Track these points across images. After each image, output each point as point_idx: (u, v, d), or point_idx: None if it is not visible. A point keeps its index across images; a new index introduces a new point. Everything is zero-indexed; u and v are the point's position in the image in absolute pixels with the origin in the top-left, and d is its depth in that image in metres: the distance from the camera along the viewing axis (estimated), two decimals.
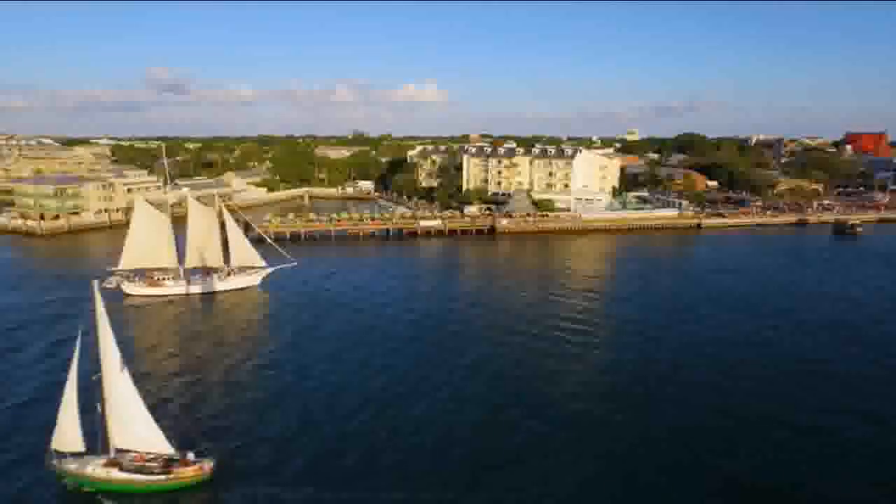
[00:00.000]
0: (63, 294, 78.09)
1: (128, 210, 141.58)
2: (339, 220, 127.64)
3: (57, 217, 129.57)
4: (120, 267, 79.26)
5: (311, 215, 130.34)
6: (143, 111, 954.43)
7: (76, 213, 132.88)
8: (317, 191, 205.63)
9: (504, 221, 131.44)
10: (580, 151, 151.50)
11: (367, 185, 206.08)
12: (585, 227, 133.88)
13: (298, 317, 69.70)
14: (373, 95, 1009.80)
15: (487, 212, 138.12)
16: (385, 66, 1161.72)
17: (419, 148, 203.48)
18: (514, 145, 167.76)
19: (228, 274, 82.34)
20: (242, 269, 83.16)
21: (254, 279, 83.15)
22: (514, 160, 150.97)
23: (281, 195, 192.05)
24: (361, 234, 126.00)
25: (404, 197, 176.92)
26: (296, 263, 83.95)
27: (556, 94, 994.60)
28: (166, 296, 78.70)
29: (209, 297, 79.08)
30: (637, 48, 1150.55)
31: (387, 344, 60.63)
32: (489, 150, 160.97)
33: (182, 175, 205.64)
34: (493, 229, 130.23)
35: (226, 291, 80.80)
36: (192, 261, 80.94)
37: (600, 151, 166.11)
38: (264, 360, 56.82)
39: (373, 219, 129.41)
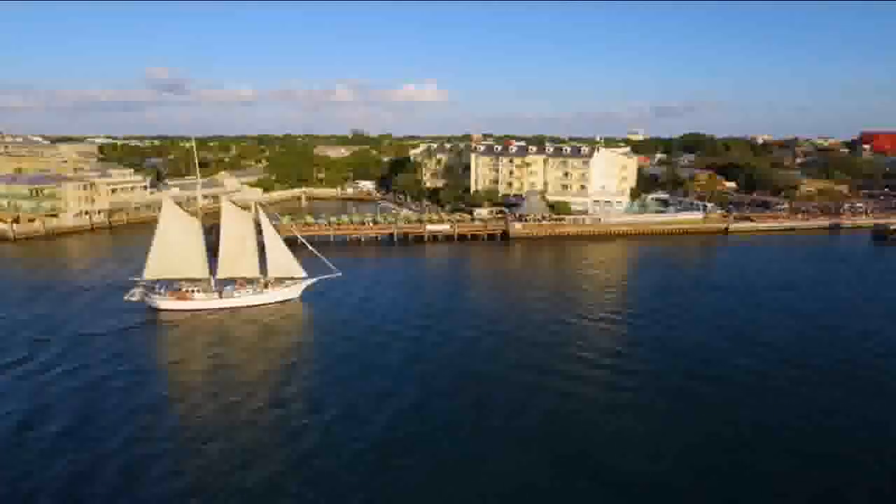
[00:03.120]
0: (33, 310, 68.23)
1: (111, 212, 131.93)
2: (338, 224, 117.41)
3: (32, 220, 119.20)
4: (144, 277, 69.40)
5: (309, 218, 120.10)
6: (142, 111, 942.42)
7: (54, 216, 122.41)
8: (315, 191, 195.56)
9: (518, 225, 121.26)
10: (597, 150, 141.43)
11: (367, 185, 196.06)
12: (606, 232, 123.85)
13: (339, 340, 59.74)
14: (372, 95, 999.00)
15: (500, 215, 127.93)
16: (385, 67, 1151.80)
17: (423, 146, 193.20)
18: (525, 144, 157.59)
19: (266, 285, 72.58)
20: (280, 280, 73.38)
21: (293, 291, 73.39)
22: (527, 159, 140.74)
23: (277, 196, 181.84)
24: (363, 238, 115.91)
25: (407, 198, 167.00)
26: (340, 274, 74.05)
27: (556, 94, 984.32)
28: (196, 310, 68.85)
29: (244, 311, 69.11)
30: (635, 48, 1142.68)
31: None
32: (499, 148, 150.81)
33: (173, 174, 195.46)
34: (505, 234, 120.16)
35: (262, 305, 70.95)
36: (224, 270, 71.16)
37: (620, 150, 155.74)
38: (285, 398, 46.78)
39: (375, 222, 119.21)
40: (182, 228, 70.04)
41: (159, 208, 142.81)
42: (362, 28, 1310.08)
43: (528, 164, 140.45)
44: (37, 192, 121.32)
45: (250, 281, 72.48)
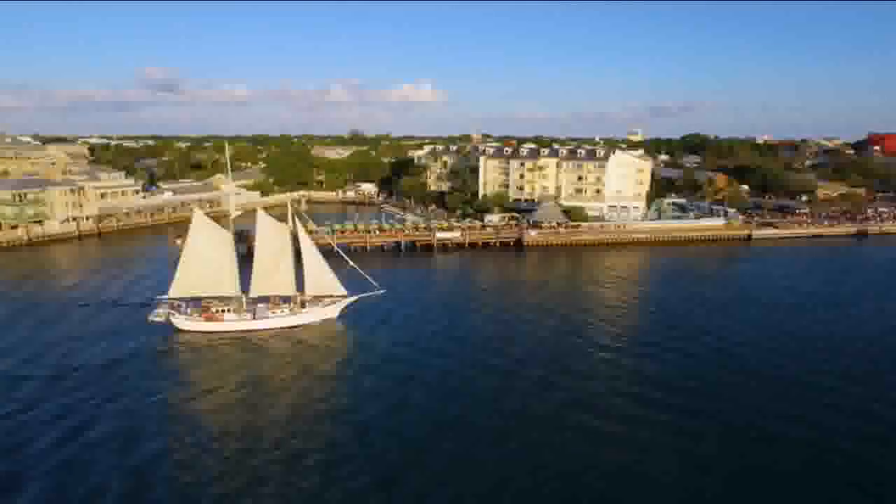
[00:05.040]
0: (18, 333, 61.40)
1: (100, 218, 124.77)
2: (342, 231, 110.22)
3: (15, 227, 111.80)
4: (170, 295, 62.89)
5: (311, 225, 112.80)
6: (137, 111, 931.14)
7: (38, 222, 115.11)
8: (315, 194, 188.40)
9: (532, 233, 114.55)
10: (613, 152, 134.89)
11: (369, 188, 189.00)
12: (625, 240, 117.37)
13: (382, 374, 53.03)
14: (368, 95, 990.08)
15: (513, 221, 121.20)
16: (380, 66, 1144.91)
17: (427, 148, 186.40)
18: (536, 146, 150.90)
19: (302, 305, 66.06)
20: (318, 299, 66.86)
21: (332, 311, 66.94)
22: (540, 163, 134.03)
23: (276, 199, 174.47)
24: (368, 247, 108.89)
25: (411, 202, 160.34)
26: (384, 291, 67.63)
27: (552, 94, 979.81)
28: (226, 332, 62.38)
29: (278, 334, 62.77)
30: (630, 48, 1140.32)
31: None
32: (509, 150, 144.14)
33: (167, 177, 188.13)
34: (519, 242, 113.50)
35: (298, 327, 64.51)
36: (258, 288, 64.60)
37: (635, 153, 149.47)
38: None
39: (382, 230, 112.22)
40: (213, 242, 63.60)
41: (152, 214, 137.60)
42: (356, 28, 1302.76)
43: (540, 168, 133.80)
44: (20, 196, 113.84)
45: (285, 299, 66.02)
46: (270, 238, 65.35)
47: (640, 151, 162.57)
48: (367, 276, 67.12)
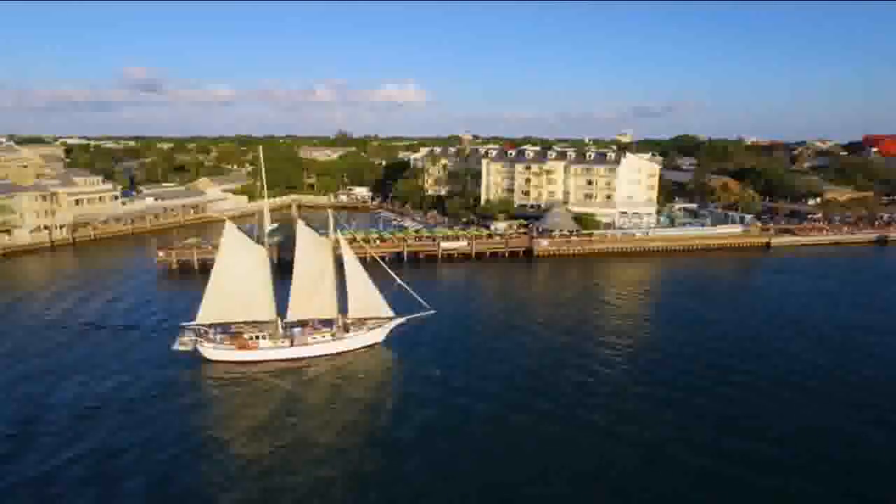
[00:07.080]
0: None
1: (75, 227, 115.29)
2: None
3: None
4: (198, 321, 55.32)
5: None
6: (118, 110, 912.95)
7: (6, 231, 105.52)
8: (305, 199, 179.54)
9: (543, 242, 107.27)
10: (624, 155, 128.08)
11: (362, 191, 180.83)
12: (640, 248, 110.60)
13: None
14: (352, 96, 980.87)
15: (522, 229, 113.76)
16: (364, 67, 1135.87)
17: (425, 150, 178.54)
18: (539, 148, 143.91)
19: (346, 329, 58.75)
20: (361, 321, 59.59)
21: (378, 335, 59.91)
22: (547, 166, 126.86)
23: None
24: (368, 257, 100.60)
25: (407, 206, 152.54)
26: (434, 312, 60.23)
27: (535, 94, 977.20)
28: (261, 362, 55.02)
29: (320, 362, 55.41)
30: (613, 48, 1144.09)
31: None
32: (512, 153, 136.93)
33: (149, 180, 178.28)
34: (528, 251, 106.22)
35: (342, 354, 57.32)
36: (297, 312, 57.27)
37: (646, 156, 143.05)
38: None
39: (383, 240, 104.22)
40: (246, 260, 56.03)
41: (132, 221, 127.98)
42: (341, 27, 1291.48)
43: (547, 172, 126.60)
44: None
45: (325, 323, 58.70)
46: (310, 253, 57.58)
47: (650, 154, 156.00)
48: (416, 295, 59.56)
